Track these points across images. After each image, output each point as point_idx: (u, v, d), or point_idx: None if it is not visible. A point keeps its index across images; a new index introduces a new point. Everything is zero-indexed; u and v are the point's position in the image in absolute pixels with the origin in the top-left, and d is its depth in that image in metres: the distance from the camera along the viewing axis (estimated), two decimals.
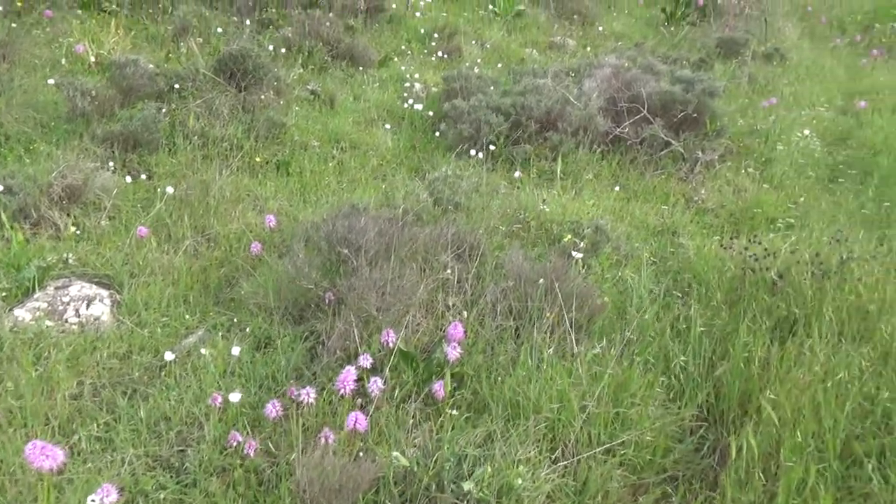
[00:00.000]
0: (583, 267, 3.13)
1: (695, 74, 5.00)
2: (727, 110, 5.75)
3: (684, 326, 2.65)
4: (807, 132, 5.13)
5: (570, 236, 3.25)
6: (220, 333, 2.57)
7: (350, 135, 4.58)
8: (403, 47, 6.21)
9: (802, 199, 4.34)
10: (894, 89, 6.40)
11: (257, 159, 3.97)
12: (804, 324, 2.53)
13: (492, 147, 4.34)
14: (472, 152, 4.19)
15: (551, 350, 2.35)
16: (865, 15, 9.52)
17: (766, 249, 3.04)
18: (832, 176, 4.76)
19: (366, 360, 2.20)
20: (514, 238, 3.39)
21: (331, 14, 5.99)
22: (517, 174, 4.13)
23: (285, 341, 2.51)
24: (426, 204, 3.45)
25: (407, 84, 5.48)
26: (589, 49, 7.34)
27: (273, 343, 2.53)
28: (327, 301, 2.61)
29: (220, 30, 5.28)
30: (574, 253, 3.03)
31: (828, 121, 5.69)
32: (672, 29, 8.37)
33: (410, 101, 4.99)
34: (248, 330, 2.60)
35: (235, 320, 2.68)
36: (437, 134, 4.68)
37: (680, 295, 3.04)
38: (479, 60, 6.25)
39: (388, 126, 4.78)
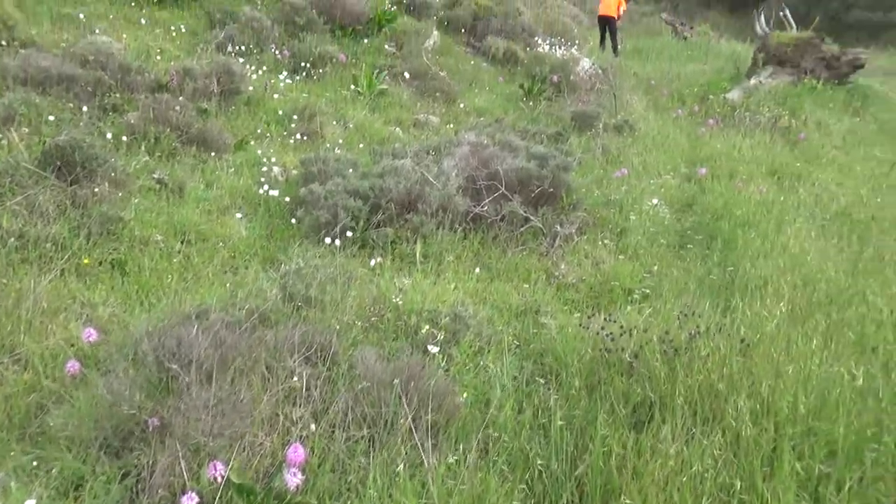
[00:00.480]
0: (443, 359, 3.00)
1: (548, 150, 5.16)
2: (584, 182, 5.99)
3: (545, 420, 2.55)
4: (655, 201, 5.39)
5: (427, 327, 3.11)
6: (20, 478, 2.18)
7: (199, 226, 4.28)
8: (261, 130, 6.03)
9: (656, 267, 4.49)
10: (728, 156, 6.93)
11: (86, 260, 3.59)
12: (659, 407, 2.50)
13: (349, 233, 4.19)
14: (329, 240, 4.01)
15: (400, 467, 2.16)
16: (700, 87, 10.43)
17: (621, 327, 3.05)
18: (682, 242, 4.99)
19: (190, 501, 1.91)
20: (371, 331, 3.22)
21: (181, 98, 5.73)
22: (375, 261, 3.99)
23: (100, 482, 2.16)
24: (275, 301, 3.21)
25: (265, 168, 5.27)
26: (452, 125, 7.48)
27: (85, 485, 2.17)
28: (151, 428, 2.29)
29: (51, 118, 4.87)
30: (431, 347, 2.89)
31: (674, 188, 6.03)
32: (530, 104, 8.75)
33: (266, 187, 4.78)
34: (54, 471, 2.23)
35: (42, 459, 2.29)
36: (295, 221, 4.48)
37: (542, 381, 2.96)
38: (340, 141, 6.17)
39: (241, 214, 4.53)
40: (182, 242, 4.10)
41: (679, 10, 30.23)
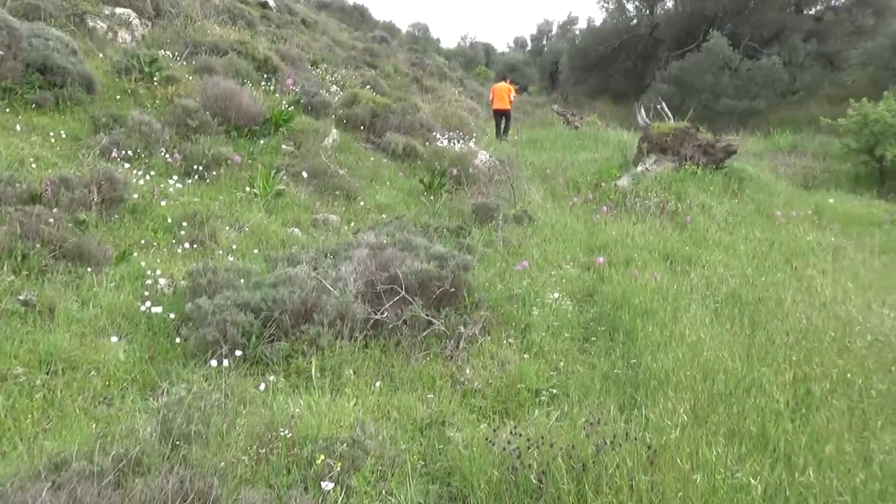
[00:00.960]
0: (341, 491, 2.75)
1: (448, 250, 5.11)
2: (486, 276, 5.99)
3: None
4: (556, 294, 5.42)
5: (323, 457, 2.87)
6: None
7: (69, 352, 3.88)
8: (147, 239, 5.70)
9: (562, 363, 4.44)
10: (623, 243, 7.16)
11: None
12: None
13: (239, 351, 3.91)
14: (215, 362, 3.72)
15: None
16: (593, 175, 10.91)
17: (528, 440, 2.92)
18: (585, 335, 5.00)
19: None
20: (261, 467, 2.93)
21: (56, 209, 5.36)
22: (267, 382, 3.72)
23: None
24: (150, 441, 2.88)
25: (149, 281, 4.93)
26: (352, 223, 7.39)
27: None
28: None
29: None
30: (325, 484, 2.64)
31: (575, 279, 6.11)
32: (431, 198, 8.83)
33: (149, 304, 4.44)
34: None
35: None
36: (180, 340, 4.16)
37: None
38: (234, 247, 5.91)
39: (119, 336, 4.16)
40: (47, 373, 3.69)
41: (569, 101, 32.26)
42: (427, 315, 4.57)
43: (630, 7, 31.23)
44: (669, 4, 29.62)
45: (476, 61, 48.44)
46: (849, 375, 4.07)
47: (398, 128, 11.00)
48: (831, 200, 10.80)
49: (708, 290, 5.79)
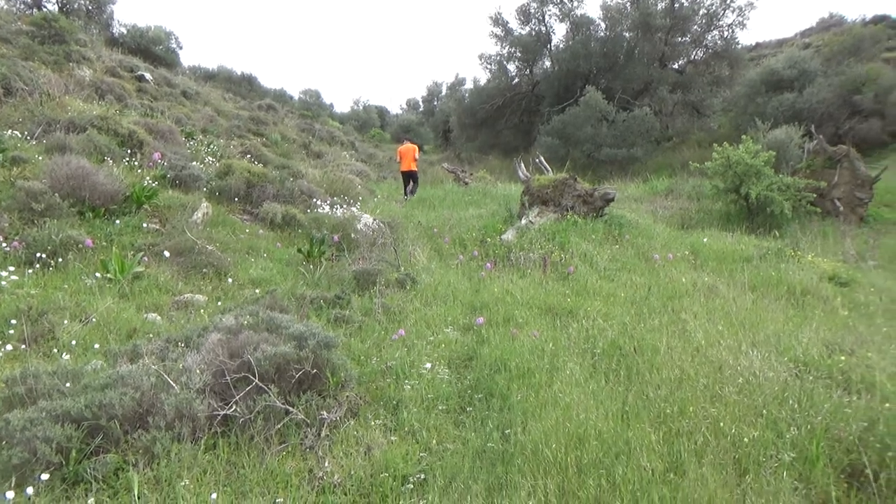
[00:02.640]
0: None
1: (306, 329, 4.72)
2: (362, 348, 5.65)
3: None
4: (429, 365, 5.12)
5: None
6: None
7: None
8: None
9: (434, 441, 4.11)
10: (503, 300, 7.01)
11: None
12: None
13: (46, 476, 3.33)
14: (12, 493, 3.13)
15: None
16: (479, 231, 10.87)
17: None
18: (462, 405, 4.70)
19: None
20: None
21: None
22: None
23: None
24: None
25: None
26: (221, 302, 6.86)
27: None
28: None
29: None
30: None
31: (454, 343, 5.85)
32: (311, 267, 8.43)
33: None
34: None
35: None
36: None
37: None
38: (74, 343, 5.27)
39: None
40: None
41: (462, 158, 32.92)
42: (283, 404, 4.13)
43: (511, 67, 32.59)
44: (547, 64, 31.11)
45: (370, 124, 48.98)
46: (721, 425, 3.97)
47: (276, 197, 10.60)
48: (706, 240, 11.23)
49: (587, 343, 5.67)
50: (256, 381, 4.19)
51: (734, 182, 14.02)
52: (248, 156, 13.98)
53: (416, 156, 16.58)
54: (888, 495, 3.51)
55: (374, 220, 10.92)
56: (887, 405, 4.27)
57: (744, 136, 14.80)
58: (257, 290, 7.41)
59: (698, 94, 27.69)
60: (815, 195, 14.13)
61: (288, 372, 4.37)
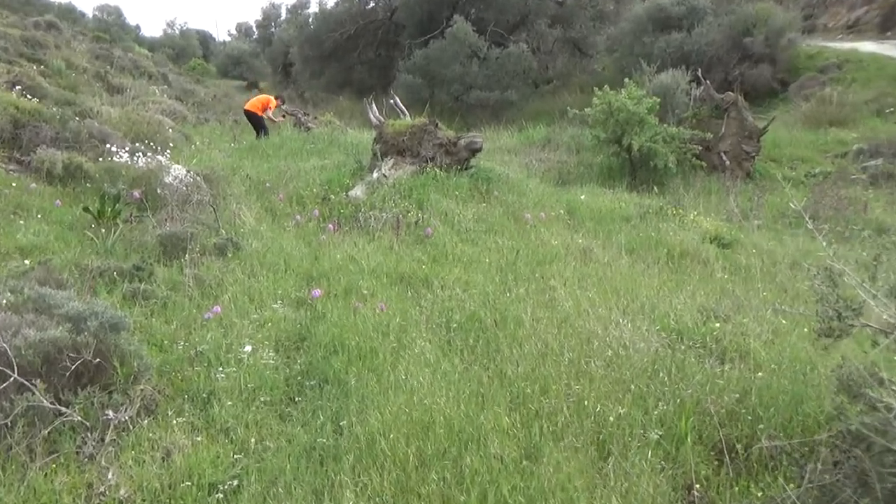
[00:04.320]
0: None
1: (87, 308, 4.41)
2: (167, 331, 5.42)
3: None
4: (248, 349, 4.99)
5: None
6: None
7: None
8: None
9: (254, 440, 4.02)
10: (345, 269, 6.97)
11: None
12: None
13: None
14: None
15: None
16: (322, 187, 10.69)
17: None
18: (289, 394, 4.64)
19: None
20: None
21: None
22: None
23: None
24: None
25: None
26: None
27: None
28: None
29: None
30: None
31: (283, 320, 5.75)
32: (103, 231, 7.90)
33: None
34: None
35: None
36: None
37: None
38: None
39: None
40: None
41: (306, 98, 32.18)
42: (54, 403, 3.86)
43: None
44: None
45: (189, 53, 46.67)
46: (585, 403, 4.19)
47: (56, 141, 9.81)
48: (583, 197, 11.78)
49: (442, 316, 5.78)
50: (15, 375, 3.86)
51: (616, 132, 14.74)
52: (18, 87, 12.78)
53: (272, 106, 17.69)
54: (758, 470, 3.88)
55: (189, 171, 10.39)
56: (760, 374, 4.70)
57: (626, 80, 15.55)
58: (27, 262, 6.84)
59: (580, 30, 28.76)
60: (700, 147, 15.16)
61: (61, 363, 4.07)
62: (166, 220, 8.43)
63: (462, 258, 7.72)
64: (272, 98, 18.23)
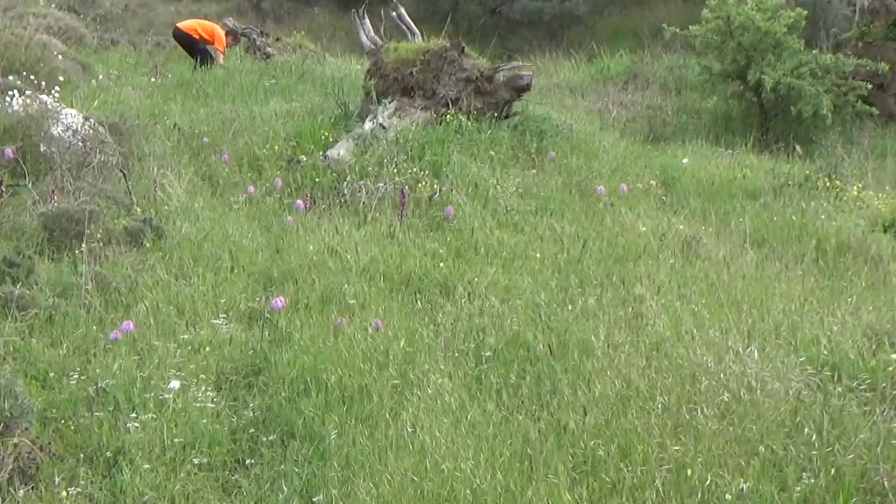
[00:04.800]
0: None
1: None
2: (54, 356, 5.50)
3: None
4: (175, 386, 5.03)
5: None
6: None
7: None
8: None
9: None
10: (322, 266, 7.04)
11: None
12: None
13: None
14: None
15: None
16: (287, 142, 10.73)
17: None
18: (237, 455, 4.70)
19: None
20: None
21: None
22: None
23: None
24: None
25: None
26: None
27: None
28: None
29: None
30: None
31: (229, 344, 5.80)
32: None
33: None
34: None
35: None
36: None
37: None
38: None
39: None
40: None
41: (262, 9, 32.24)
42: None
43: None
44: None
45: None
46: (689, 472, 4.18)
47: None
48: (686, 161, 11.73)
49: (468, 340, 5.79)
50: None
51: (738, 62, 14.64)
52: None
53: (220, 47, 17.78)
54: None
55: (88, 119, 10.49)
56: None
57: None
58: None
59: None
60: (870, 86, 14.91)
61: None
62: (53, 191, 8.51)
63: (500, 252, 7.74)
64: (219, 29, 18.25)
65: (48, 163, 9.17)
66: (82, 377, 5.25)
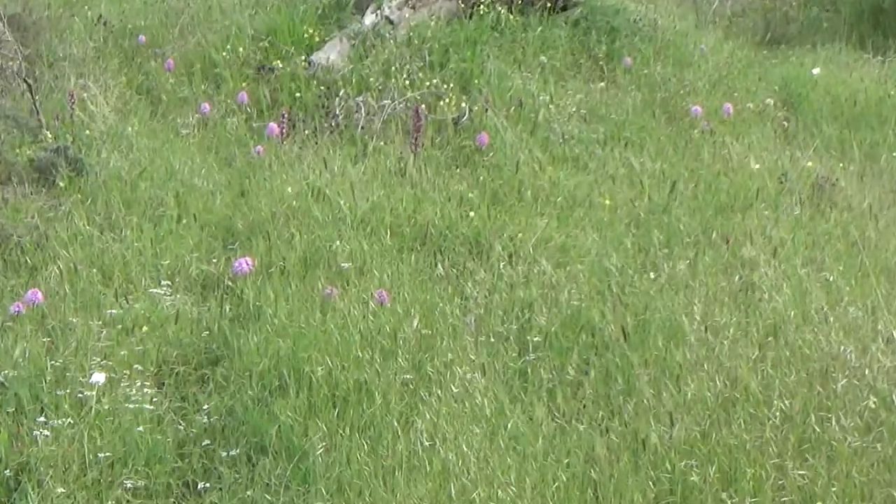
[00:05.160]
0: None
1: None
2: None
3: None
4: (100, 379, 5.06)
5: None
6: None
7: None
8: None
9: None
10: (304, 213, 7.04)
11: None
12: None
13: None
14: None
15: None
16: (256, 43, 10.72)
17: None
18: (186, 475, 4.74)
19: None
20: None
21: None
22: None
23: None
24: None
25: None
26: None
27: None
28: None
29: None
30: None
31: (174, 322, 5.82)
32: None
33: None
34: None
35: None
36: None
37: None
38: None
39: None
40: None
41: None
42: None
43: None
44: None
45: None
46: None
47: None
48: (817, 71, 11.64)
49: (508, 320, 5.78)
50: None
51: None
52: None
53: None
54: None
55: None
56: None
57: None
58: None
59: None
60: None
61: None
62: None
63: (553, 197, 7.72)
64: None
65: None
66: None
